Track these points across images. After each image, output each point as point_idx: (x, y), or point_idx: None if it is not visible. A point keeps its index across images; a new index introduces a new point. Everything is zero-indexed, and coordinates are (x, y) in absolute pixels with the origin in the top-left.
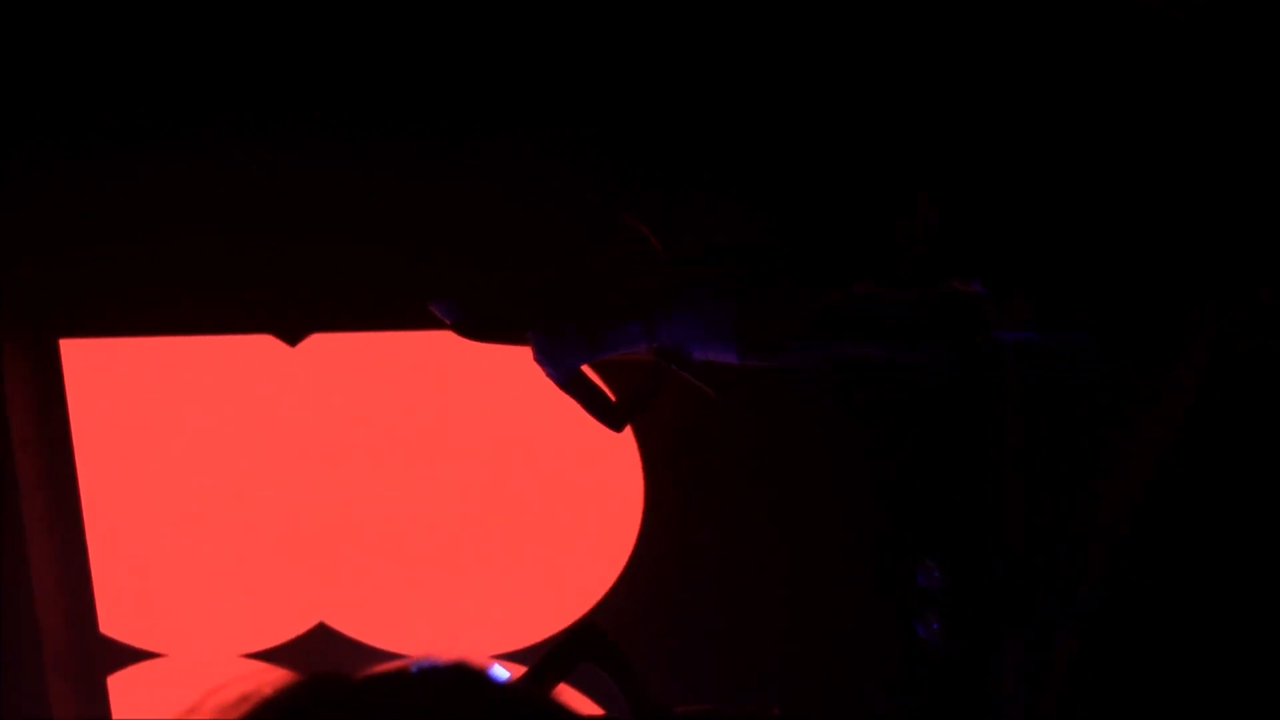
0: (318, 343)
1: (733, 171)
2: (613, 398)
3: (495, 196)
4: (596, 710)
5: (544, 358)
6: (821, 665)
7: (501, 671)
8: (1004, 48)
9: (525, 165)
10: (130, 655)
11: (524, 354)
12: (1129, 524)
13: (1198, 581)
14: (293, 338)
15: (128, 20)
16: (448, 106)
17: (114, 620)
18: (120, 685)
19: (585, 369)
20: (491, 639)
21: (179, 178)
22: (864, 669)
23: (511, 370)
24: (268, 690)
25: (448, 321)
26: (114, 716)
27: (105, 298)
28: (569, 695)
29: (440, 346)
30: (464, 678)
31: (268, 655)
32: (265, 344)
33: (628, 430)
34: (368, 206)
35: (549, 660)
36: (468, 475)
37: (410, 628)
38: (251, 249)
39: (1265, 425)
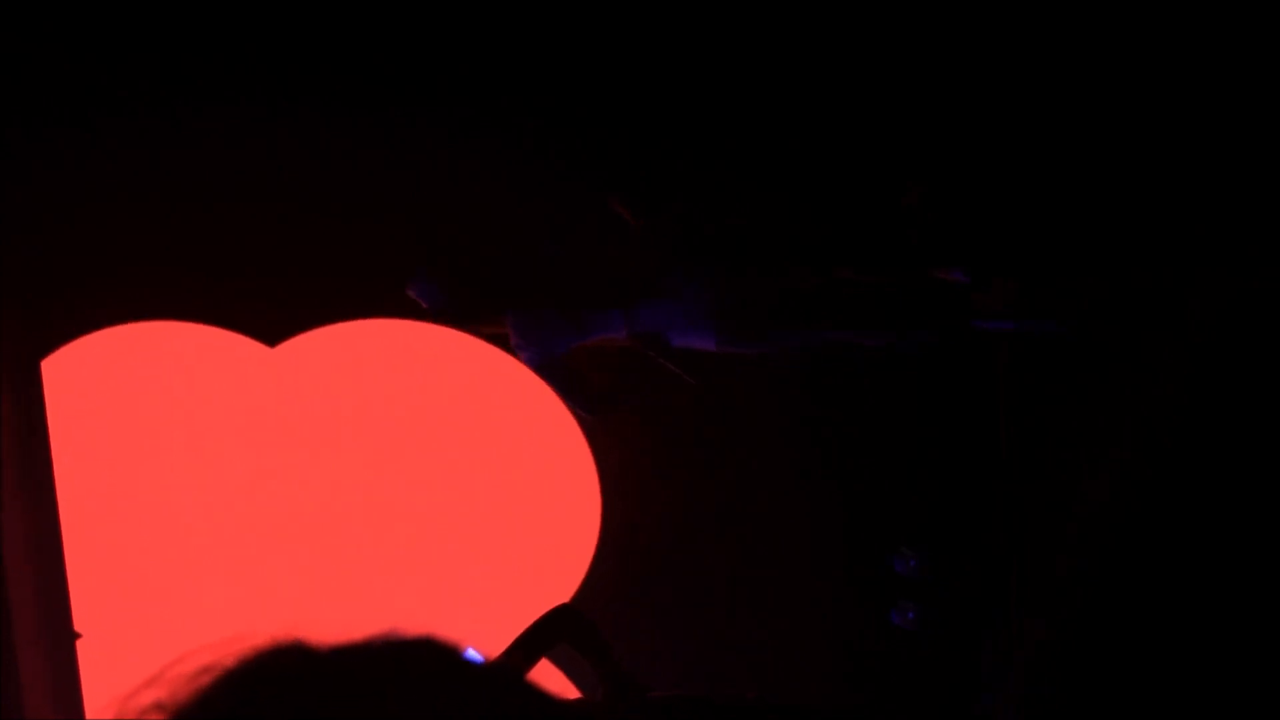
0: (296, 344)
1: (715, 157)
2: (590, 383)
3: (476, 180)
4: (574, 692)
5: (523, 341)
6: (797, 652)
7: (475, 654)
8: (991, 31)
9: (507, 148)
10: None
11: (468, 350)
12: (1110, 513)
13: (1179, 572)
14: (271, 338)
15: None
16: (428, 89)
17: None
18: (88, 652)
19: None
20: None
21: (153, 167)
22: (840, 656)
23: (439, 369)
24: (230, 661)
25: (425, 305)
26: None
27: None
28: (549, 676)
29: (408, 338)
30: (433, 652)
31: None
32: (244, 345)
33: (571, 419)
34: (345, 193)
35: (524, 640)
36: (426, 481)
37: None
38: (222, 240)
39: (1259, 419)
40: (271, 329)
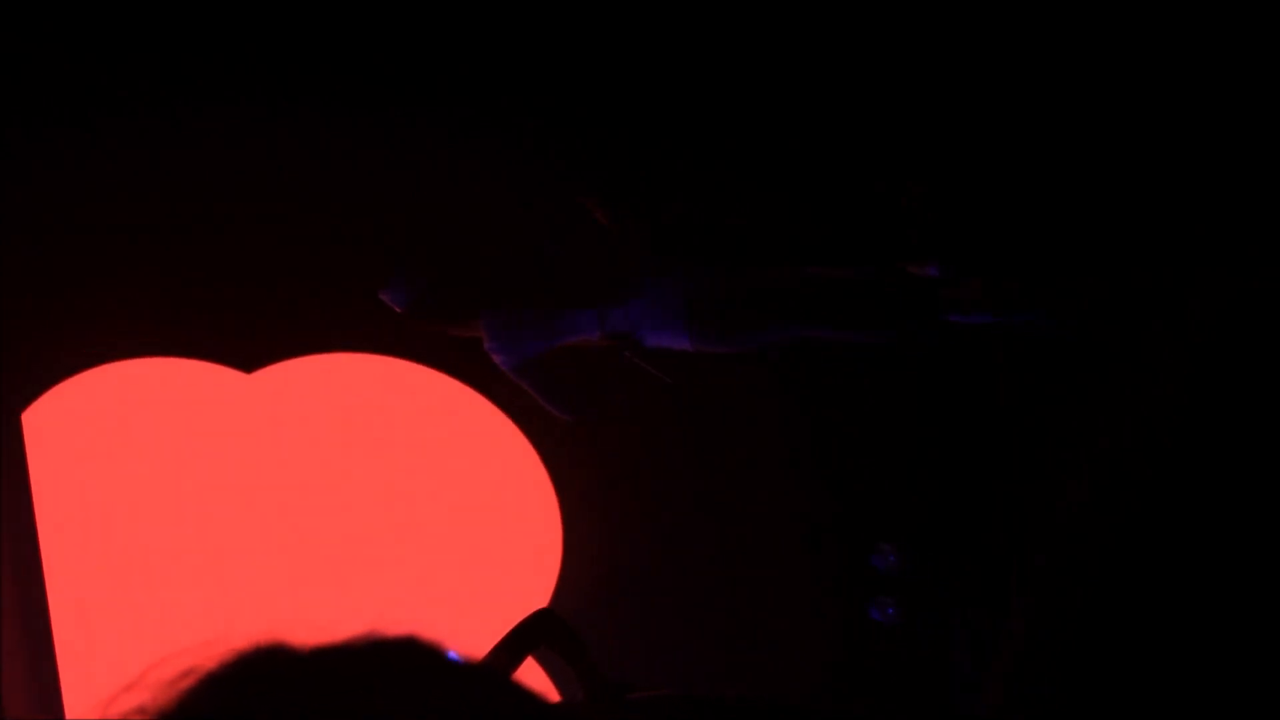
0: (273, 371)
1: (690, 157)
2: (566, 386)
3: (450, 184)
4: (555, 694)
5: (497, 344)
6: (776, 650)
7: (455, 656)
8: (992, 32)
9: (481, 153)
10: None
11: (431, 380)
12: (1109, 511)
13: (1178, 570)
14: (249, 365)
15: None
16: (394, 98)
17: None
18: (69, 660)
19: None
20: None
21: (152, 168)
22: (819, 653)
23: (407, 396)
24: (211, 664)
25: (398, 310)
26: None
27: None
28: (532, 679)
29: (379, 370)
30: (417, 650)
31: None
32: (221, 372)
33: (523, 434)
34: (326, 194)
35: (507, 642)
36: (396, 498)
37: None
38: (208, 258)
39: (1258, 418)
40: (249, 356)
